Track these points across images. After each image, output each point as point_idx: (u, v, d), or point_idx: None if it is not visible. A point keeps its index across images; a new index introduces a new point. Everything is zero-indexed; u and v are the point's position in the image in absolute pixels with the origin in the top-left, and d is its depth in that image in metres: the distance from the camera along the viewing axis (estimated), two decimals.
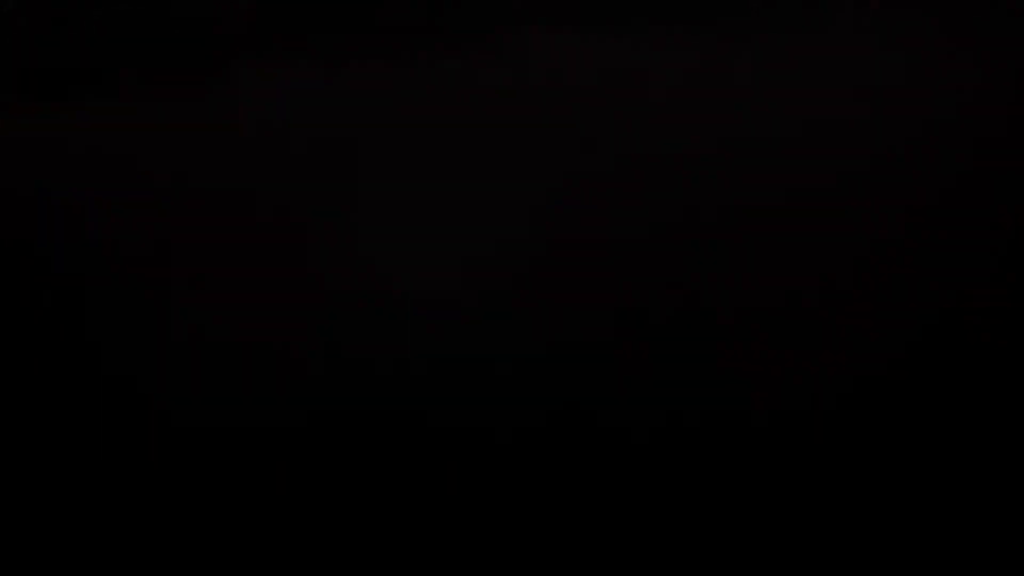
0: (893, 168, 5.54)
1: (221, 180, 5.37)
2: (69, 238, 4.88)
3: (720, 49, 5.93)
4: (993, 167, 5.53)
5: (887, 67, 6.08)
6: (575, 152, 5.72)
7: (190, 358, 4.71)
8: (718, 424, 4.39)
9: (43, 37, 4.24)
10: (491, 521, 4.03)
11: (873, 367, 4.62)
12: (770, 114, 5.76)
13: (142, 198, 5.37)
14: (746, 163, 5.57)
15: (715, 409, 4.47)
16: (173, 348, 4.77)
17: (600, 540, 3.95)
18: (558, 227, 5.42)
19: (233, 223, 5.30)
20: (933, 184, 5.44)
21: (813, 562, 3.75)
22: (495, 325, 4.91)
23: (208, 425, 4.39)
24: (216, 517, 4.02)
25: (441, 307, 4.97)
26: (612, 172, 5.63)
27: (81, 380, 4.53)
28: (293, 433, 4.40)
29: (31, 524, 3.95)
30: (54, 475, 4.14)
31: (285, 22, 5.91)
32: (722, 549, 3.84)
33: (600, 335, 4.84)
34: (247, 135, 5.46)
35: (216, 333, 4.89)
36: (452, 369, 4.70)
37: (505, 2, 6.34)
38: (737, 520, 3.97)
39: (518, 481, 4.18)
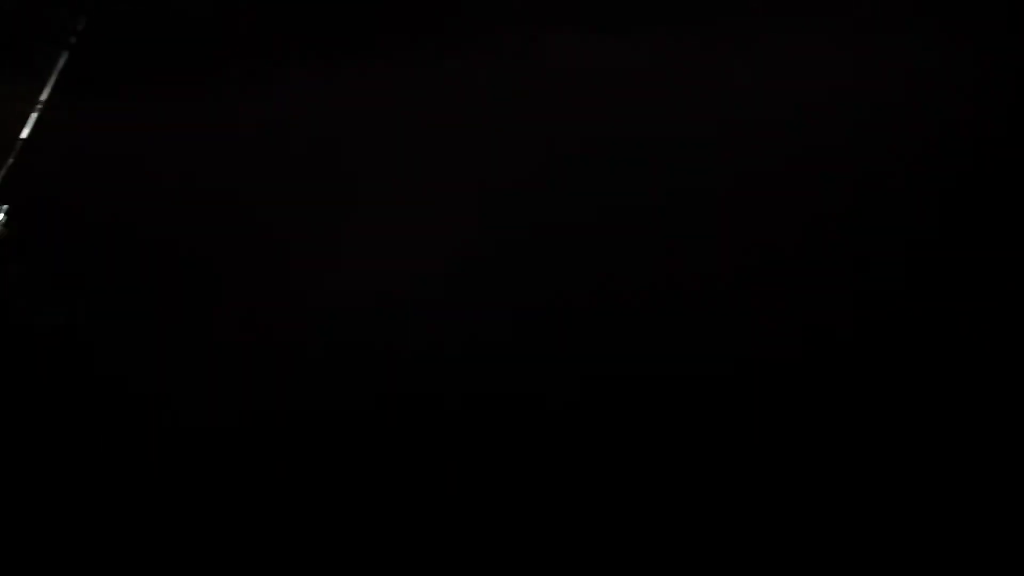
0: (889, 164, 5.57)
1: (223, 179, 5.43)
2: (73, 236, 4.95)
3: (720, 48, 5.99)
4: (993, 165, 5.57)
5: (884, 65, 6.12)
6: (573, 149, 5.76)
7: (195, 353, 4.76)
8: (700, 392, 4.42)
9: (45, 37, 4.34)
10: (482, 512, 4.08)
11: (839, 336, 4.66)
12: (765, 108, 5.80)
13: (146, 197, 5.43)
14: (744, 162, 5.60)
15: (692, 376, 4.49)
16: (178, 343, 4.82)
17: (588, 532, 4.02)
18: (551, 217, 5.44)
19: (234, 221, 5.37)
20: (930, 180, 5.48)
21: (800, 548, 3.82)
22: (493, 317, 4.96)
23: (210, 422, 4.44)
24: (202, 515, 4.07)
25: (437, 303, 5.02)
26: (611, 169, 5.67)
27: (85, 376, 4.59)
28: (287, 426, 4.43)
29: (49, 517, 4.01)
30: (54, 474, 4.18)
31: (285, 21, 5.98)
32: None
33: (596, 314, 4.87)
34: (248, 135, 5.52)
35: (220, 330, 4.94)
36: (457, 359, 4.74)
37: (506, 1, 6.40)
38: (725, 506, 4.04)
39: (500, 470, 4.21)
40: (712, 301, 4.84)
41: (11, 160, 4.51)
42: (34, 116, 4.49)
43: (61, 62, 4.41)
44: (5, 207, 4.60)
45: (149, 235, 5.25)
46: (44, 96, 4.46)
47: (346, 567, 3.98)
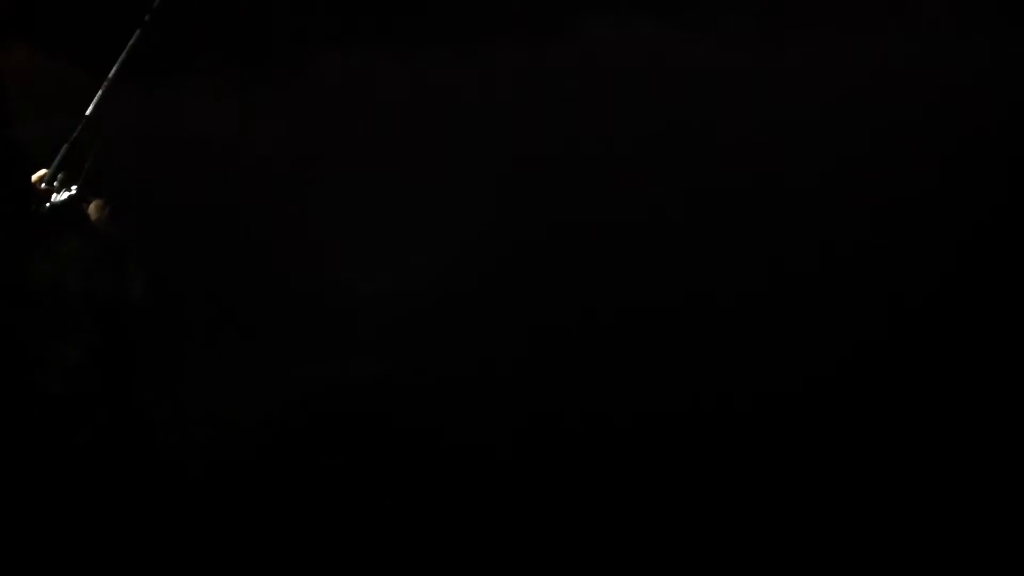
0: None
1: (306, 166, 5.43)
2: (130, 213, 4.94)
3: (780, 40, 5.98)
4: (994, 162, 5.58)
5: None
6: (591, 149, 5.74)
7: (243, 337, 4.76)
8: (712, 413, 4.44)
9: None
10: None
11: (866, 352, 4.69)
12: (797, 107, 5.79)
13: (205, 177, 5.43)
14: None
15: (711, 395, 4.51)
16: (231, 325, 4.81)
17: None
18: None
19: (288, 206, 5.36)
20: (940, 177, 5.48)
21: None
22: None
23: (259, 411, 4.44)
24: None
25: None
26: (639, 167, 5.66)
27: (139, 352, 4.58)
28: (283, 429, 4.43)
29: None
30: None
31: (364, 10, 5.97)
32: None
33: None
34: (330, 123, 5.52)
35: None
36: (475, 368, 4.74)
37: None
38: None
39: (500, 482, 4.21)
40: (745, 310, 4.84)
41: (74, 135, 4.51)
42: (99, 93, 4.50)
43: (133, 39, 4.43)
44: (62, 175, 4.58)
45: (208, 215, 5.25)
46: (111, 73, 4.47)
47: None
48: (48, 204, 4.48)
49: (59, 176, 4.48)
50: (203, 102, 5.65)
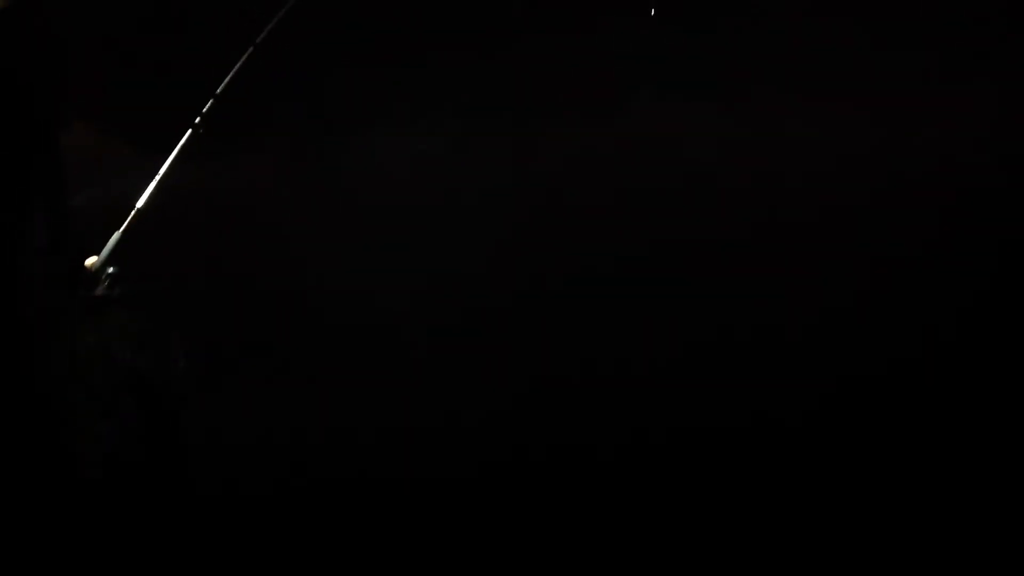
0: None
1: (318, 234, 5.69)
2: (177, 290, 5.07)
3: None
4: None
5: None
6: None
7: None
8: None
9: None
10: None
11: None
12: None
13: (252, 252, 5.58)
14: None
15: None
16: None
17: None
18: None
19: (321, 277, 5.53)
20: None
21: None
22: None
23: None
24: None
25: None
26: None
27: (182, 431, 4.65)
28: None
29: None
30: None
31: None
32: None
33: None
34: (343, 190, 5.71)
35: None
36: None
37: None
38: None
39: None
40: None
41: (124, 226, 4.68)
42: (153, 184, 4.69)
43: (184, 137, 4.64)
44: (112, 269, 4.72)
45: (252, 290, 5.35)
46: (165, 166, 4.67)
47: None
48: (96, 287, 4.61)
49: (109, 268, 4.60)
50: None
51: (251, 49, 4.78)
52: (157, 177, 4.65)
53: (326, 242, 5.63)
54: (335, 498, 4.29)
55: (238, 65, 4.75)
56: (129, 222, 4.65)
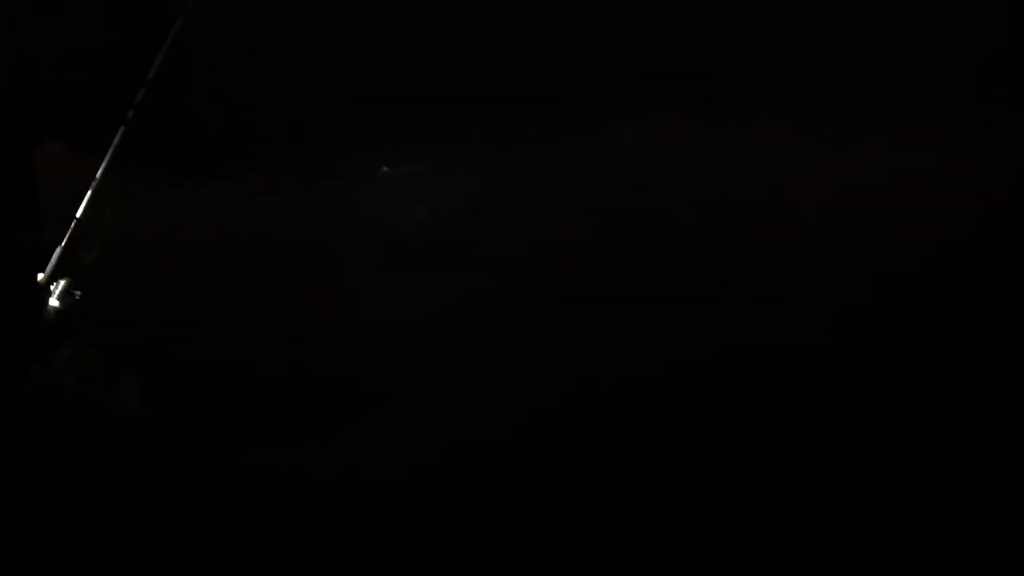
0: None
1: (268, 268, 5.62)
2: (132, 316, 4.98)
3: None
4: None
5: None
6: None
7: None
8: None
9: None
10: None
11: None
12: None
13: (209, 276, 5.53)
14: None
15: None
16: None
17: None
18: None
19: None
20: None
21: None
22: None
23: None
24: None
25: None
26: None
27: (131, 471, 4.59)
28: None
29: None
30: None
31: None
32: None
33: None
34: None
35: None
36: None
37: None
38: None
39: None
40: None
41: (68, 234, 4.55)
42: (89, 193, 4.55)
43: (118, 137, 4.49)
44: (64, 281, 4.61)
45: (210, 319, 5.25)
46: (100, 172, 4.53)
47: None
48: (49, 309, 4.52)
49: (59, 283, 4.51)
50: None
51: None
52: (94, 185, 4.51)
53: (296, 268, 5.55)
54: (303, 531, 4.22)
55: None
56: (69, 236, 4.52)
